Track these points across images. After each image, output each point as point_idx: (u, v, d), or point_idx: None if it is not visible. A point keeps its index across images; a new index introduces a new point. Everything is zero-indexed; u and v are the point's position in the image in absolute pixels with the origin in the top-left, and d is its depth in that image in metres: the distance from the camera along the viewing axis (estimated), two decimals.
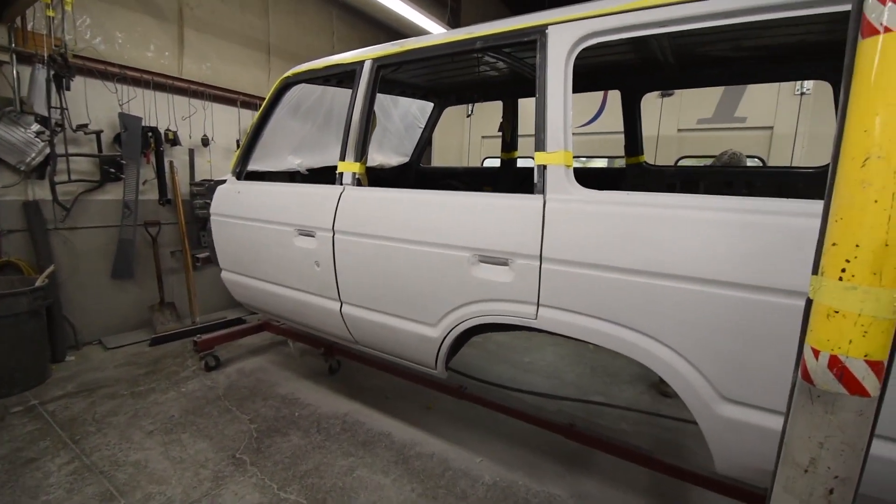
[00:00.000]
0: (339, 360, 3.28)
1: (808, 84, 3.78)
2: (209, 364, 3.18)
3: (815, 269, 0.78)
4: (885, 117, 0.69)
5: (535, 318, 1.60)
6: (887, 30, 0.70)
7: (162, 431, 2.45)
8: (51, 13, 3.02)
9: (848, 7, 0.79)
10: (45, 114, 3.03)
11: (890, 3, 0.70)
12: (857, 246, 0.71)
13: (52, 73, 3.00)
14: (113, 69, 3.44)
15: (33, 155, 3.06)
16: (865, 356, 0.73)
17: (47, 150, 3.09)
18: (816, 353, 0.76)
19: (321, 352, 3.16)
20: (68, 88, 3.13)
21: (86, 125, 3.31)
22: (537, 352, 3.72)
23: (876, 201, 0.70)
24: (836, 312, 0.73)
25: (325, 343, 3.09)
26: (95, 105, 3.40)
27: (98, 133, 3.40)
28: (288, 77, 2.46)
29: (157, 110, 3.77)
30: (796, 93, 3.81)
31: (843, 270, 0.72)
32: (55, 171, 3.17)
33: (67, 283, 3.41)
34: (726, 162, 3.16)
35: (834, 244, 0.74)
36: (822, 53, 2.12)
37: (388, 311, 2.03)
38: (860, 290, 0.71)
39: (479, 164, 5.57)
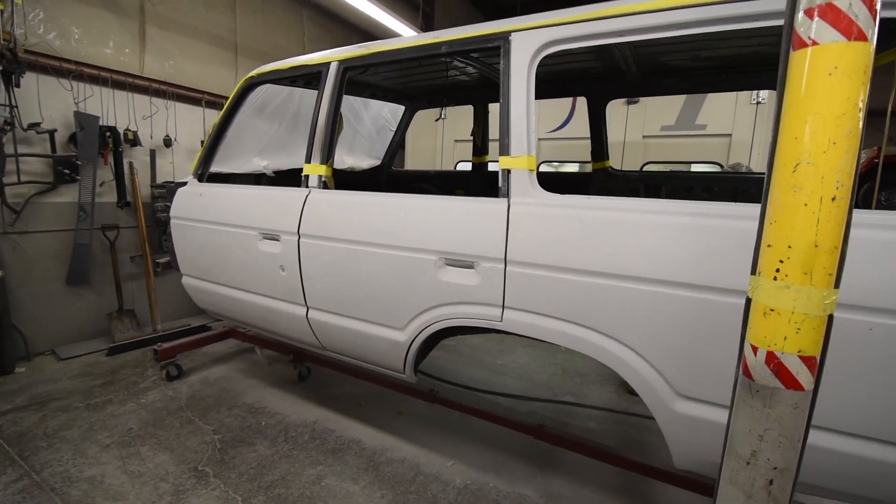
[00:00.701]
0: (309, 366, 3.22)
1: (764, 93, 3.98)
2: (171, 374, 3.06)
3: (753, 269, 0.82)
4: (813, 126, 0.74)
5: (501, 321, 1.61)
6: (815, 43, 0.75)
7: (119, 445, 2.34)
8: (0, 6, 2.87)
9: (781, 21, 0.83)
10: None
11: (817, 19, 0.75)
12: (789, 247, 0.75)
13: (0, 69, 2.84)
14: (68, 66, 3.28)
15: None
16: (799, 352, 0.77)
17: None
18: (755, 349, 0.80)
19: (290, 359, 3.10)
20: (18, 85, 2.97)
21: (38, 124, 3.14)
22: (510, 354, 3.75)
23: (806, 205, 0.74)
24: (772, 310, 0.77)
25: (294, 349, 3.03)
26: (49, 103, 3.24)
27: (52, 132, 3.24)
28: (252, 77, 2.41)
29: (116, 109, 3.62)
30: (752, 102, 4.00)
31: (778, 270, 0.76)
32: (4, 172, 2.99)
33: (18, 291, 3.22)
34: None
35: (769, 245, 0.78)
36: (774, 64, 2.23)
37: (355, 315, 2.01)
38: (793, 288, 0.75)
39: (452, 168, 5.59)
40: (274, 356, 3.49)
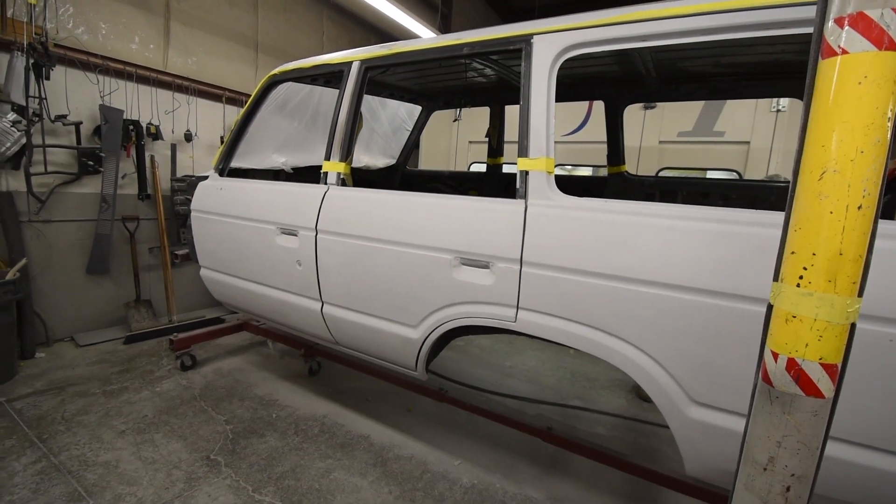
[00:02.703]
0: (320, 361, 3.26)
1: (784, 101, 3.93)
2: (185, 363, 3.12)
3: (776, 276, 0.82)
4: (841, 134, 0.74)
5: (515, 321, 1.62)
6: (844, 52, 0.75)
7: (134, 431, 2.40)
8: (33, 1, 2.95)
9: (811, 30, 0.83)
10: (23, 103, 2.95)
11: (847, 27, 0.75)
12: (813, 254, 0.75)
13: (31, 61, 2.93)
14: (95, 60, 3.37)
15: (8, 145, 2.97)
16: (820, 359, 0.77)
17: (23, 140, 3.01)
18: (775, 355, 0.80)
19: (301, 353, 3.13)
20: (48, 78, 3.06)
21: (65, 116, 3.23)
22: (518, 356, 3.75)
23: (831, 212, 0.74)
24: (794, 317, 0.77)
25: (306, 344, 3.06)
26: (76, 96, 3.33)
27: (77, 124, 3.32)
28: (275, 75, 2.45)
29: (139, 103, 3.70)
30: (772, 109, 3.95)
31: (801, 277, 0.76)
32: (31, 162, 3.08)
33: (40, 278, 3.31)
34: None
35: (793, 252, 0.78)
36: (795, 72, 2.21)
37: (370, 311, 2.03)
38: (816, 296, 0.75)
39: (465, 169, 5.61)
40: (286, 350, 3.54)
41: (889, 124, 0.73)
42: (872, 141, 0.73)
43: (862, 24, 0.73)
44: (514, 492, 2.12)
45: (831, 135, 0.74)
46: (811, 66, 0.80)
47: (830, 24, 0.76)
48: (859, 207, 0.73)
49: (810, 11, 1.18)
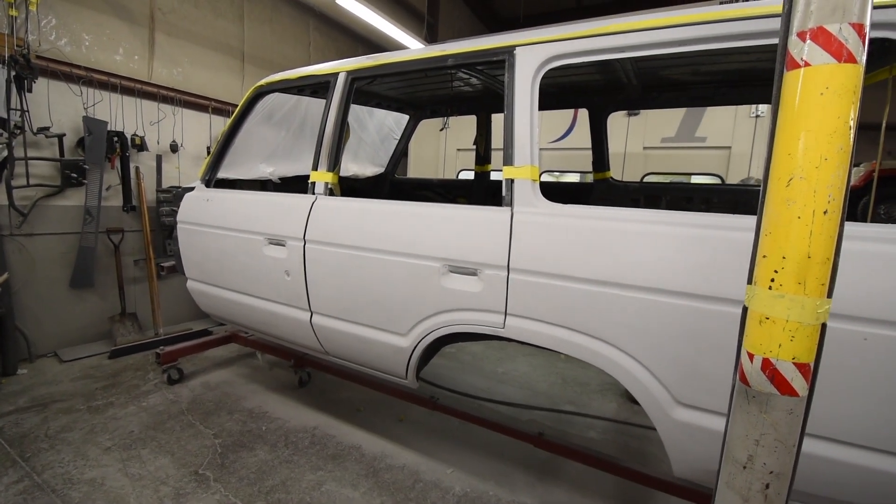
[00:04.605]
0: (310, 371, 3.23)
1: (763, 107, 4.04)
2: (172, 377, 3.07)
3: (750, 279, 0.85)
4: (806, 142, 0.77)
5: (503, 328, 1.64)
6: (807, 64, 0.78)
7: (120, 447, 2.35)
8: (13, 13, 2.93)
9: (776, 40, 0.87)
10: (3, 115, 2.91)
11: (809, 41, 0.78)
12: (783, 258, 0.78)
13: (12, 74, 2.90)
14: (78, 71, 3.34)
15: None
16: (794, 359, 0.80)
17: (4, 153, 2.97)
18: (751, 356, 0.83)
19: (291, 364, 3.11)
20: (30, 90, 3.02)
21: (47, 128, 3.19)
22: (510, 362, 3.76)
23: (799, 217, 0.77)
24: (767, 319, 0.80)
25: (295, 354, 3.04)
26: (59, 108, 3.30)
27: (60, 136, 3.29)
28: (261, 86, 2.46)
29: (124, 114, 3.67)
30: (751, 115, 4.05)
31: (773, 280, 0.79)
32: (13, 175, 3.04)
33: (22, 292, 3.25)
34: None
35: (764, 256, 0.81)
36: (770, 80, 2.28)
37: (359, 320, 2.04)
38: (787, 298, 0.78)
39: (454, 176, 5.65)
40: (275, 361, 3.51)
41: (851, 132, 0.77)
42: (836, 148, 0.76)
43: (822, 37, 0.77)
44: (509, 499, 2.12)
45: (797, 143, 0.78)
46: (777, 77, 0.84)
47: (793, 37, 0.80)
48: (825, 212, 0.77)
49: (774, 23, 1.23)
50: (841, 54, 0.75)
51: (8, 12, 2.93)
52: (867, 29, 0.76)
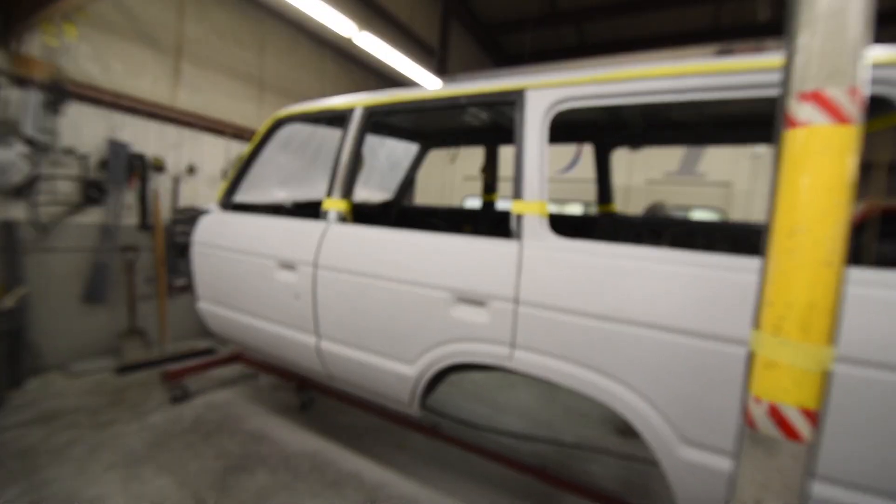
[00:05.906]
0: (312, 395, 3.22)
1: (760, 147, 4.12)
2: (177, 396, 3.08)
3: (756, 324, 0.88)
4: (807, 198, 0.82)
5: (511, 360, 1.66)
6: (806, 124, 0.84)
7: (122, 465, 2.34)
8: (53, 44, 3.09)
9: (775, 91, 0.93)
10: (35, 137, 3.03)
11: (808, 104, 0.84)
12: (787, 306, 0.81)
13: (45, 98, 3.03)
14: (106, 97, 3.49)
15: (16, 176, 3.03)
16: (799, 405, 0.82)
17: (31, 172, 3.08)
18: (758, 400, 0.85)
19: (294, 386, 3.11)
20: (61, 113, 3.16)
21: (74, 149, 3.31)
22: (511, 390, 3.73)
23: (802, 268, 0.81)
24: (774, 364, 0.83)
25: (299, 377, 3.04)
26: (85, 130, 3.43)
27: (85, 157, 3.41)
28: (281, 117, 2.56)
29: (146, 137, 3.81)
30: (750, 156, 4.14)
31: (778, 327, 0.82)
32: (37, 193, 3.14)
33: (36, 306, 3.30)
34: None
35: (769, 303, 0.84)
36: (769, 122, 2.35)
37: (366, 347, 2.06)
38: (792, 344, 0.81)
39: (460, 202, 5.74)
40: (278, 383, 3.50)
41: (848, 188, 0.82)
42: (835, 203, 0.81)
43: (819, 101, 0.82)
44: None
45: (798, 197, 0.82)
46: (777, 136, 0.89)
47: (793, 98, 0.86)
48: (827, 263, 0.80)
49: (771, 76, 1.30)
50: (838, 117, 0.81)
51: (47, 43, 3.08)
52: (864, 93, 0.81)
